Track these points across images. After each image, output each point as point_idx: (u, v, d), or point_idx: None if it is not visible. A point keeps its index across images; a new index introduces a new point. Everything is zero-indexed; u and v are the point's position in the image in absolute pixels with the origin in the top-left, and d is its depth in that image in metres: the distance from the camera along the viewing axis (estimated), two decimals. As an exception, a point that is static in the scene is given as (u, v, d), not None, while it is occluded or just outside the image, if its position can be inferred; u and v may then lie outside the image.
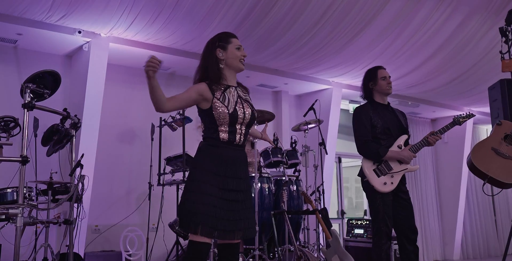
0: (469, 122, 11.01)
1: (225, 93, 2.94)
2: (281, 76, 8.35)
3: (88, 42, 6.51)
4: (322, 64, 7.93)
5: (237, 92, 3.03)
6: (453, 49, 7.56)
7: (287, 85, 8.93)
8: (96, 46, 6.47)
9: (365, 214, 11.02)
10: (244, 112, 2.93)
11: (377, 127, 4.10)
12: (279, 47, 7.23)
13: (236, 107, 2.91)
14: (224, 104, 2.88)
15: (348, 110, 9.98)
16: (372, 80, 4.26)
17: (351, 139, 10.68)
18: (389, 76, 4.27)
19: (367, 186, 4.02)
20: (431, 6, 6.68)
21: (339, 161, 10.46)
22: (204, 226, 2.68)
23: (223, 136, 2.87)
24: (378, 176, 3.98)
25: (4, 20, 5.85)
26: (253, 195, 5.46)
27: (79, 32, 6.28)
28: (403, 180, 4.09)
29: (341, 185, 10.36)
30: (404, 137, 4.14)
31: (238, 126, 2.91)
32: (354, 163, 11.95)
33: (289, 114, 9.25)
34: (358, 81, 8.56)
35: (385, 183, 3.94)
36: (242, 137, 2.93)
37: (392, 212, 3.95)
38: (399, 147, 4.07)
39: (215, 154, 2.86)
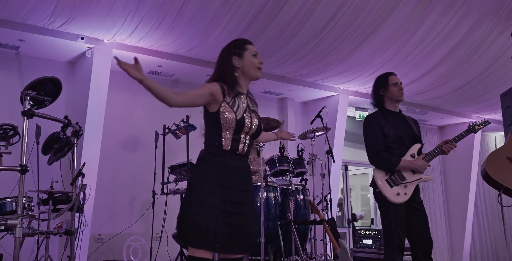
0: (477, 129, 10.84)
1: (236, 99, 2.78)
2: (287, 83, 8.25)
3: (91, 48, 6.42)
4: (329, 70, 7.82)
5: (247, 101, 2.87)
6: (462, 55, 7.43)
7: (293, 92, 8.82)
8: (99, 52, 6.39)
9: (372, 222, 10.87)
10: (251, 122, 2.78)
11: (389, 136, 3.95)
12: (285, 54, 7.12)
13: (244, 115, 2.75)
14: (233, 110, 2.72)
15: (354, 118, 9.85)
16: (383, 87, 4.11)
17: (357, 146, 10.63)
18: (401, 83, 4.12)
19: (379, 196, 3.87)
20: (440, 12, 6.55)
21: (346, 168, 10.31)
22: (206, 240, 2.54)
23: (226, 143, 2.71)
24: (391, 186, 3.84)
25: (6, 26, 5.77)
26: (258, 205, 5.34)
27: (82, 38, 6.19)
28: (416, 190, 3.94)
29: (348, 193, 10.21)
30: (417, 146, 3.99)
31: (243, 136, 2.75)
32: (359, 170, 11.82)
33: (294, 121, 9.13)
34: (365, 88, 8.47)
35: (398, 194, 3.80)
36: (245, 147, 2.77)
37: (405, 224, 3.80)
38: (412, 156, 3.92)
39: (219, 164, 2.70)
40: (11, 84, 6.49)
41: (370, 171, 11.20)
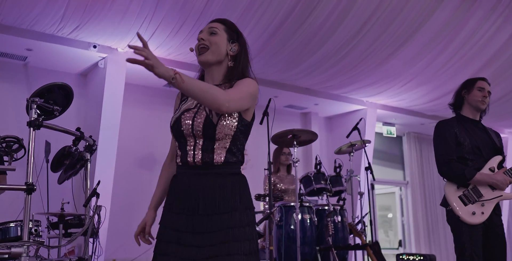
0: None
1: (184, 101, 2.16)
2: (312, 96, 7.82)
3: (104, 58, 6.03)
4: (357, 82, 7.36)
5: None
6: (504, 62, 6.92)
7: (317, 106, 8.34)
8: (112, 62, 6.01)
9: (400, 245, 10.23)
10: (193, 119, 2.01)
11: (463, 145, 3.42)
12: (312, 64, 6.66)
13: (182, 116, 2.05)
14: (173, 116, 2.12)
15: (381, 134, 9.30)
16: (467, 88, 3.60)
17: (383, 164, 10.10)
18: (489, 91, 3.58)
19: (451, 216, 3.32)
20: (481, 16, 6.10)
21: (372, 188, 9.73)
22: None
23: (178, 158, 2.07)
24: (465, 204, 3.28)
25: (12, 33, 5.41)
26: (292, 227, 4.78)
27: (94, 46, 5.78)
28: (496, 210, 3.36)
29: (375, 214, 9.62)
30: (498, 158, 3.43)
31: (190, 141, 2.02)
32: (383, 190, 11.24)
33: (319, 137, 8.59)
34: (394, 101, 7.98)
35: (473, 213, 3.24)
36: (199, 154, 1.99)
37: (481, 250, 3.21)
38: (491, 169, 3.36)
39: (172, 184, 2.09)
40: (19, 99, 6.05)
41: (396, 190, 10.63)
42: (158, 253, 2.01)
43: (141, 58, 1.70)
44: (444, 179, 3.45)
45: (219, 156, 2.00)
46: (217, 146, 2.00)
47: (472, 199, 3.28)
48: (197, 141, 2.01)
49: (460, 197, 3.30)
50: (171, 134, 2.10)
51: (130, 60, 1.72)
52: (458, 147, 3.41)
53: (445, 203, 3.39)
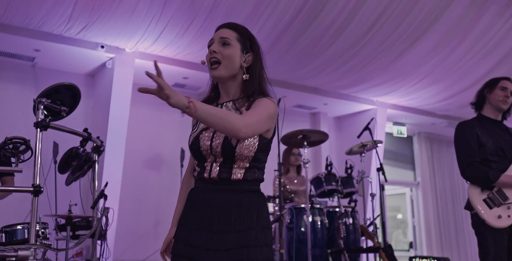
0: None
1: None
2: (321, 96, 7.72)
3: (111, 58, 5.97)
4: (367, 81, 7.25)
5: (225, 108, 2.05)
6: (519, 60, 6.81)
7: (327, 106, 8.24)
8: (120, 62, 5.94)
9: (410, 246, 10.11)
10: (211, 141, 1.93)
11: (486, 146, 3.31)
12: (322, 63, 6.56)
13: (200, 135, 1.96)
14: (191, 134, 2.03)
15: (392, 134, 9.18)
16: (489, 87, 3.50)
17: (394, 165, 9.97)
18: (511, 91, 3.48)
19: (476, 220, 3.22)
20: (494, 13, 5.98)
21: (382, 188, 9.61)
22: None
23: (195, 172, 2.01)
24: (490, 208, 3.18)
25: (20, 34, 5.36)
26: (303, 230, 4.70)
27: (102, 46, 5.72)
28: None
29: (385, 216, 9.50)
30: None
31: (209, 160, 1.95)
32: (391, 191, 11.11)
33: (328, 137, 8.51)
34: (405, 101, 7.87)
35: (499, 217, 3.14)
36: (216, 169, 1.92)
37: (507, 256, 3.11)
38: None
39: (188, 199, 2.02)
40: (27, 99, 5.99)
41: (406, 191, 10.51)
42: None
43: (152, 84, 1.63)
44: (467, 182, 3.35)
45: (238, 174, 1.92)
46: (236, 165, 1.92)
47: (498, 202, 3.19)
48: (217, 159, 1.92)
49: (484, 200, 3.21)
50: (190, 152, 2.00)
51: (142, 90, 1.63)
52: (480, 148, 3.31)
53: (469, 206, 3.29)
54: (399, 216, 11.88)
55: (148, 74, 1.63)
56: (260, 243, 1.90)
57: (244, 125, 1.77)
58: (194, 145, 1.95)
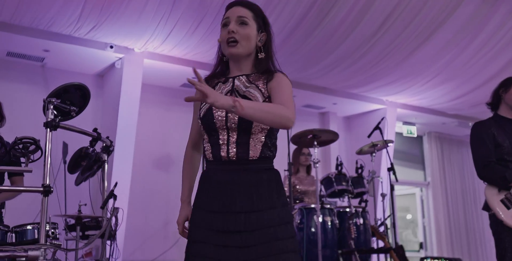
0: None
1: (214, 88, 2.04)
2: (330, 95, 7.68)
3: (120, 58, 5.96)
4: (377, 80, 7.20)
5: (233, 84, 2.01)
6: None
7: (336, 106, 8.20)
8: (129, 63, 5.93)
9: (420, 247, 10.04)
10: (226, 112, 1.89)
11: (503, 146, 3.28)
12: (331, 62, 6.52)
13: (213, 107, 1.89)
14: (200, 106, 2.00)
15: (401, 134, 9.12)
16: (505, 87, 3.46)
17: (403, 164, 9.90)
18: None
19: (494, 221, 3.19)
20: (505, 12, 5.92)
21: (392, 188, 9.54)
22: None
23: (208, 153, 1.96)
24: (508, 208, 3.15)
25: (29, 34, 5.36)
26: (313, 230, 4.67)
27: (111, 47, 5.71)
28: None
29: (395, 216, 9.44)
30: None
31: (221, 135, 1.91)
32: (401, 191, 11.03)
33: (338, 137, 8.47)
34: (415, 100, 7.81)
35: None
36: (233, 148, 1.89)
37: None
38: None
39: (204, 181, 1.98)
40: (36, 100, 6.00)
41: (416, 191, 10.43)
42: (193, 254, 1.89)
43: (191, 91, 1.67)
44: (485, 182, 3.31)
45: (255, 151, 1.90)
46: (252, 140, 1.90)
47: None
48: (230, 134, 1.90)
49: (502, 201, 3.17)
50: (201, 126, 1.95)
51: (189, 99, 1.67)
52: (497, 148, 3.27)
53: (486, 207, 3.26)
54: (409, 216, 11.81)
55: (190, 81, 1.65)
56: (284, 221, 1.89)
57: (292, 114, 1.80)
58: (206, 116, 1.92)
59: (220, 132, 1.91)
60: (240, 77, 2.01)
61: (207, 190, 1.93)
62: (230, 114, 1.88)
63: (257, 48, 2.04)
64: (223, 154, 1.89)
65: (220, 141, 1.90)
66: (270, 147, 1.95)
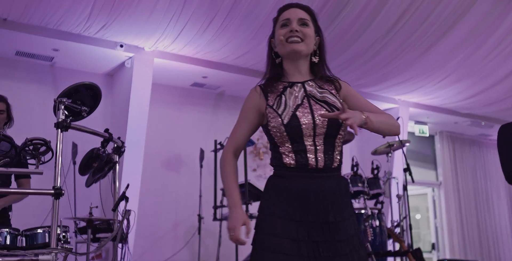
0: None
1: (283, 95, 1.98)
2: (341, 94, 7.51)
3: (130, 57, 5.88)
4: (389, 80, 7.09)
5: (305, 89, 1.98)
6: (546, 58, 6.59)
7: (347, 105, 8.07)
8: (139, 62, 5.85)
9: (433, 248, 9.92)
10: (313, 117, 1.88)
11: None
12: (343, 61, 6.42)
13: (297, 113, 1.89)
14: (277, 112, 1.93)
15: (413, 133, 8.99)
16: None
17: (415, 164, 9.76)
18: None
19: None
20: (522, 8, 5.76)
21: (405, 189, 9.43)
22: None
23: (288, 159, 1.89)
24: None
25: (39, 33, 5.29)
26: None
27: (121, 46, 5.63)
28: None
29: (409, 216, 9.32)
30: None
31: (309, 142, 1.87)
32: (412, 191, 10.91)
33: (354, 137, 8.36)
34: (428, 99, 7.70)
35: None
36: (321, 156, 1.86)
37: None
38: None
39: (282, 189, 1.90)
40: (46, 100, 5.96)
41: (428, 191, 10.31)
42: None
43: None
44: None
45: (336, 158, 1.92)
46: (336, 148, 1.93)
47: None
48: (316, 141, 1.89)
49: None
50: (286, 133, 1.91)
51: (323, 116, 1.82)
52: None
53: None
54: (418, 216, 11.69)
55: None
56: (358, 229, 1.94)
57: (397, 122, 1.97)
58: (293, 122, 1.89)
59: (306, 138, 1.89)
60: (309, 82, 2.02)
61: (288, 197, 1.88)
62: (318, 122, 1.88)
63: (313, 52, 2.06)
64: (311, 161, 1.87)
65: (307, 147, 1.88)
66: (342, 154, 1.97)
